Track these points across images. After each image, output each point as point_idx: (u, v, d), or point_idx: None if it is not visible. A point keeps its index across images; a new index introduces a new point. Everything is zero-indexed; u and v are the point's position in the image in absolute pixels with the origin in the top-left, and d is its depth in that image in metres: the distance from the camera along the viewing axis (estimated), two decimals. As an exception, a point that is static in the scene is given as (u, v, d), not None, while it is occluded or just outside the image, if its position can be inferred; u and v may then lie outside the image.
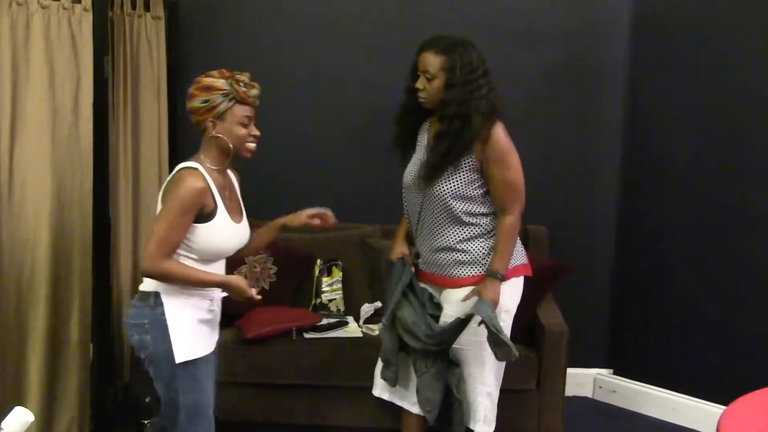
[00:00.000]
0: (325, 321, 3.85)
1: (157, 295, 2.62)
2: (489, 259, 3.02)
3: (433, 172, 2.95)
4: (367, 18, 4.28)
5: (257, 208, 4.23)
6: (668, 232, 4.12)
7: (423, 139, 3.11)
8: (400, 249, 3.20)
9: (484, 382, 3.10)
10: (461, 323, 2.98)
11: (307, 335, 3.74)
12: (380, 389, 3.28)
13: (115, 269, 3.94)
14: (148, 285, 2.65)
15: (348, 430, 3.72)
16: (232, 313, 3.82)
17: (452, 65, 2.88)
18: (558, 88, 4.28)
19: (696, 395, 4.04)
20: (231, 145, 2.63)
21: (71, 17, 3.34)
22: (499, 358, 2.93)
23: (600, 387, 4.43)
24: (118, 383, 3.98)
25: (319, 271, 4.04)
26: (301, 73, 4.32)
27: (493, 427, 3.15)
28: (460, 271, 3.04)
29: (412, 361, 3.14)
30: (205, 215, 2.59)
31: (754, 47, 3.77)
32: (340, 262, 4.07)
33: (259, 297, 2.69)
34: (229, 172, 2.82)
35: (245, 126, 2.64)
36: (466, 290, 3.03)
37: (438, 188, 2.96)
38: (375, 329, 3.75)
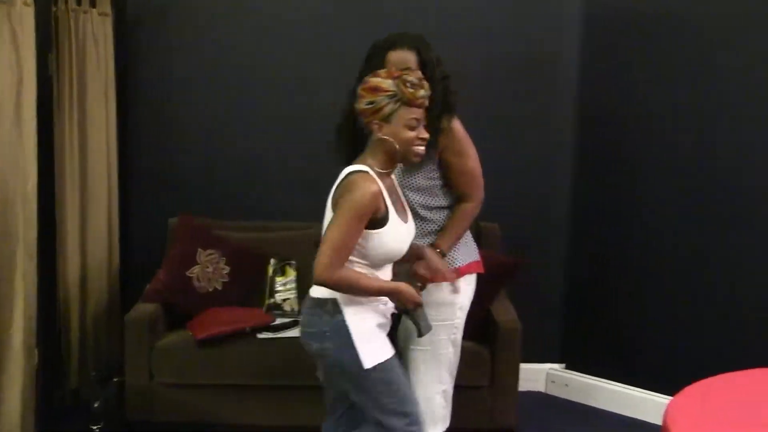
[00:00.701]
0: (279, 321, 3.83)
1: (335, 302, 2.56)
2: (449, 256, 3.02)
3: (411, 166, 2.92)
4: (319, 17, 4.26)
5: (207, 207, 4.27)
6: (620, 228, 4.17)
7: None
8: None
9: (441, 381, 3.10)
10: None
11: (260, 335, 3.71)
12: None
13: (62, 272, 3.87)
14: (321, 291, 2.59)
15: (303, 429, 3.70)
16: (183, 314, 3.80)
17: (426, 61, 2.89)
18: (510, 85, 4.29)
19: (645, 387, 4.10)
20: (398, 148, 2.54)
21: (11, 12, 3.24)
22: (420, 334, 2.85)
23: (552, 381, 4.47)
24: (66, 388, 3.91)
25: (273, 271, 4.01)
26: (253, 71, 4.29)
27: (447, 423, 3.15)
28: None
29: None
30: (378, 220, 2.52)
31: (705, 44, 3.83)
32: (294, 262, 4.05)
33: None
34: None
35: (413, 128, 2.54)
36: (433, 287, 2.98)
37: (398, 181, 2.93)
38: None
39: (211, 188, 4.34)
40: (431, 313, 2.93)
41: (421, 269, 2.85)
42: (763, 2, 3.64)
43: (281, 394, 3.67)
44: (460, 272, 3.04)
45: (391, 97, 2.50)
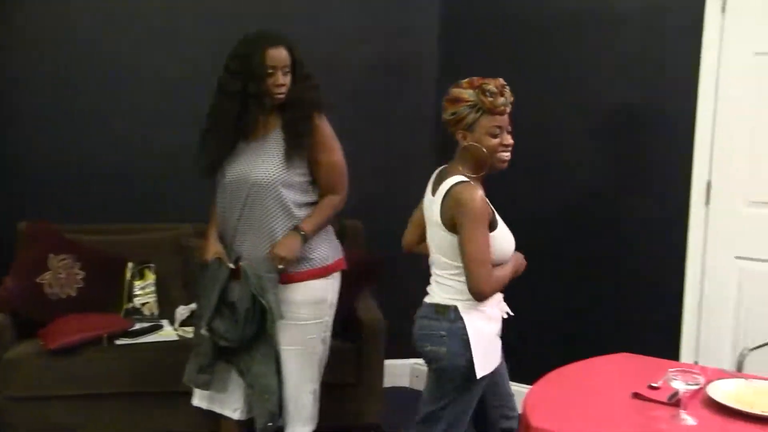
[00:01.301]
0: (138, 326, 3.71)
1: (455, 309, 2.57)
2: (319, 253, 3.04)
3: (289, 163, 2.95)
4: (172, 12, 4.16)
5: (59, 210, 4.09)
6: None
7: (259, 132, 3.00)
8: (213, 248, 3.06)
9: (313, 380, 3.11)
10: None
11: (118, 342, 3.59)
12: (199, 398, 3.17)
13: None
14: (441, 297, 2.64)
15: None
16: (35, 323, 3.62)
17: (297, 59, 2.93)
18: (370, 84, 4.33)
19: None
20: (485, 154, 2.55)
21: None
22: (275, 319, 2.92)
23: (417, 376, 4.53)
24: None
25: (131, 275, 3.89)
26: (104, 69, 4.13)
27: (316, 422, 3.16)
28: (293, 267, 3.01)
29: (234, 365, 3.08)
30: (489, 224, 2.56)
31: (555, 49, 3.98)
32: (152, 265, 3.93)
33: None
34: None
35: (495, 136, 2.54)
36: (303, 285, 3.02)
37: (270, 177, 2.93)
38: (191, 332, 3.65)
39: (62, 190, 4.14)
40: (302, 312, 2.94)
41: (279, 250, 2.91)
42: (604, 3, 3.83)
43: (140, 402, 3.56)
44: (329, 269, 3.08)
45: (472, 106, 2.52)
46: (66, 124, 4.13)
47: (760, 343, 3.06)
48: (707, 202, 3.63)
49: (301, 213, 3.00)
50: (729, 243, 3.61)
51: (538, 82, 4.03)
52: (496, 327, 2.68)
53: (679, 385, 2.16)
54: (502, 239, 2.62)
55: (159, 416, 3.57)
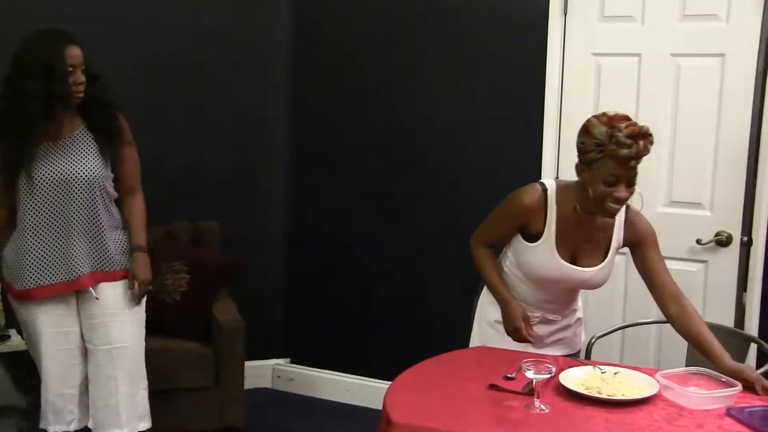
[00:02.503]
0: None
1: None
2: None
3: (105, 161, 2.98)
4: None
5: None
6: (335, 223, 4.30)
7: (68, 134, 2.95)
8: None
9: (145, 376, 3.13)
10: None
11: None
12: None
13: None
14: None
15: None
16: None
17: (87, 57, 2.89)
18: (221, 82, 4.26)
19: (367, 375, 4.28)
20: (591, 196, 2.49)
21: None
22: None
23: (279, 377, 4.52)
24: None
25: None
26: None
27: (150, 421, 3.17)
28: (116, 263, 3.03)
29: None
30: (532, 234, 2.65)
31: (404, 47, 4.05)
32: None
33: (531, 341, 2.70)
34: (624, 216, 2.67)
35: (610, 184, 2.43)
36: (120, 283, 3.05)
37: (96, 174, 2.94)
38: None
39: None
40: (136, 312, 3.04)
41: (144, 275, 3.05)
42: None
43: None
44: None
45: (597, 145, 2.42)
46: None
47: (605, 330, 3.22)
48: (555, 197, 3.78)
49: (114, 210, 3.05)
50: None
51: (392, 80, 4.08)
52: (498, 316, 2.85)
53: (533, 375, 2.24)
54: (534, 256, 2.68)
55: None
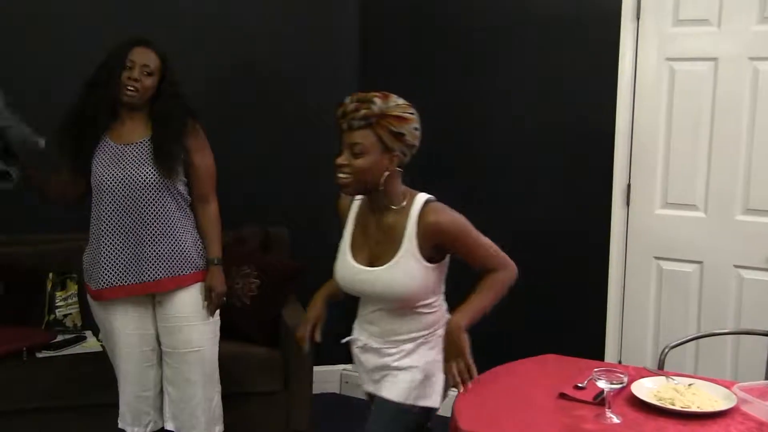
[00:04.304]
0: (60, 338, 3.62)
1: None
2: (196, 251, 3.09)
3: (173, 164, 2.99)
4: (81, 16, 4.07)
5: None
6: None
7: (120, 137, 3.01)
8: None
9: (218, 380, 3.18)
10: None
11: (39, 355, 3.49)
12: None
13: None
14: None
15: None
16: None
17: (168, 73, 2.99)
18: (294, 89, 4.31)
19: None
20: None
21: None
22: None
23: (346, 382, 4.53)
24: None
25: (52, 286, 3.78)
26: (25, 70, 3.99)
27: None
28: (191, 266, 3.05)
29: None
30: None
31: (475, 52, 4.03)
32: (75, 275, 3.83)
33: (304, 344, 2.64)
34: (416, 215, 2.40)
35: (339, 156, 2.37)
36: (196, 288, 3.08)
37: (159, 179, 2.97)
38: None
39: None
40: (203, 316, 3.04)
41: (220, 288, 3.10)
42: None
43: (62, 416, 3.46)
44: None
45: None
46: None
47: (679, 340, 3.14)
48: (627, 203, 3.73)
49: (191, 213, 3.11)
50: (647, 243, 3.71)
51: (459, 90, 4.07)
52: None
53: (604, 385, 2.20)
54: (336, 259, 2.60)
55: (81, 429, 3.48)
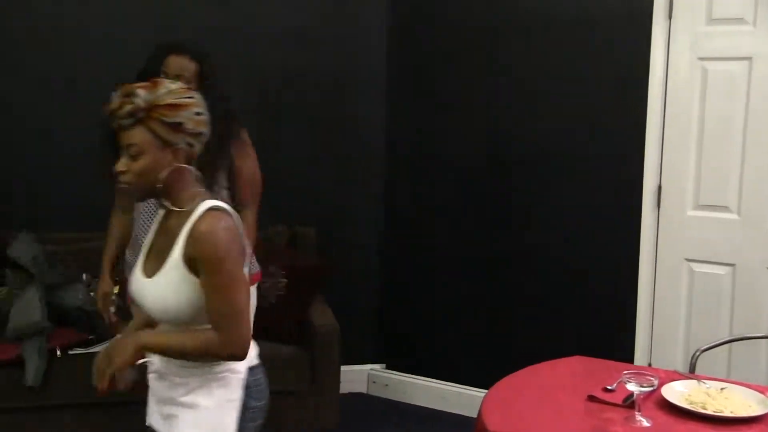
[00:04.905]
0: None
1: None
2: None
3: (215, 172, 2.91)
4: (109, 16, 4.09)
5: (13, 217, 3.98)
6: (431, 229, 4.29)
7: None
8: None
9: None
10: None
11: (72, 352, 3.52)
12: None
13: None
14: None
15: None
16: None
17: (207, 73, 2.88)
18: (321, 89, 4.31)
19: (461, 383, 4.24)
20: None
21: None
22: None
23: (374, 382, 4.53)
24: None
25: (88, 287, 3.77)
26: (42, 71, 4.03)
27: None
28: None
29: None
30: None
31: (506, 52, 4.01)
32: (117, 278, 3.82)
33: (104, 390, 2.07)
34: (194, 216, 1.99)
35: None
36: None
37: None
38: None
39: (16, 198, 4.02)
40: None
41: None
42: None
43: (95, 413, 3.49)
44: (252, 280, 3.09)
45: None
46: (15, 130, 4.05)
47: (711, 343, 3.10)
48: (658, 205, 3.69)
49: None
50: (678, 245, 3.67)
51: (488, 88, 4.05)
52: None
53: (634, 387, 2.18)
54: None
55: (115, 427, 3.51)
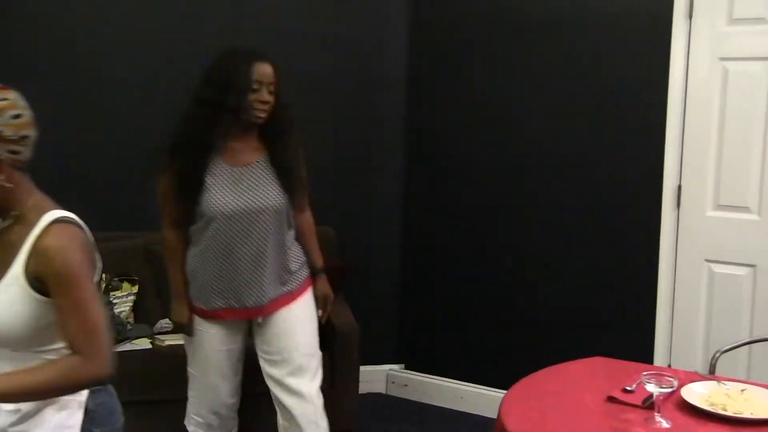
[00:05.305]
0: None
1: None
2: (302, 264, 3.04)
3: (297, 182, 2.89)
4: (151, 20, 4.12)
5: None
6: (450, 229, 4.29)
7: (237, 158, 2.84)
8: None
9: None
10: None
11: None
12: None
13: None
14: None
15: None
16: None
17: (280, 81, 2.82)
18: (341, 90, 4.33)
19: (481, 383, 4.25)
20: None
21: None
22: None
23: (393, 382, 4.54)
24: None
25: (106, 287, 3.81)
26: (74, 76, 4.07)
27: None
28: (300, 278, 3.02)
29: None
30: None
31: (526, 51, 4.01)
32: (136, 278, 3.88)
33: None
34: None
35: None
36: (308, 295, 3.05)
37: (282, 203, 2.87)
38: (165, 340, 3.63)
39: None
40: (312, 321, 3.06)
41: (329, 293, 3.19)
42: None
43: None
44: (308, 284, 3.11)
45: None
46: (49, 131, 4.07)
47: (731, 344, 3.09)
48: (678, 205, 3.68)
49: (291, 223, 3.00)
50: (698, 246, 3.65)
51: (507, 88, 4.06)
52: None
53: (654, 388, 2.18)
54: None
55: (133, 426, 3.53)
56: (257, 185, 2.83)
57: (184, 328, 2.96)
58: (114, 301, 3.82)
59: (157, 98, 4.03)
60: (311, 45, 4.24)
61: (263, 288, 2.88)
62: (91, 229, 3.85)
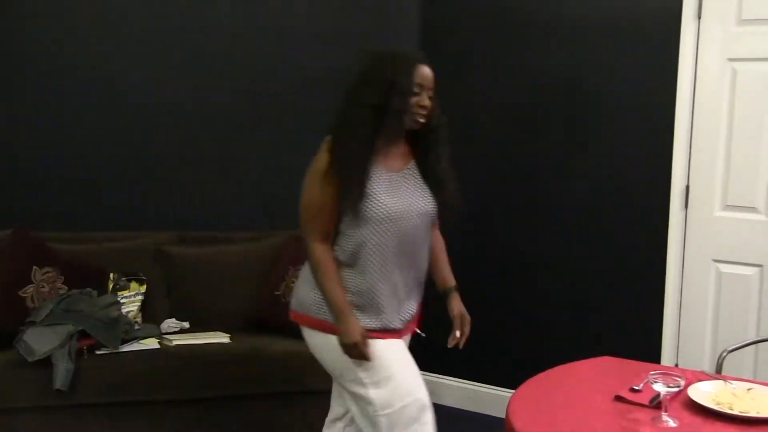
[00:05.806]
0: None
1: None
2: None
3: (449, 187, 2.73)
4: (148, 23, 4.14)
5: (47, 216, 4.05)
6: (458, 228, 4.29)
7: (395, 162, 2.67)
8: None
9: None
10: None
11: (99, 352, 3.57)
12: None
13: None
14: None
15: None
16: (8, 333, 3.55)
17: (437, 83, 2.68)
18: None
19: (489, 383, 4.26)
20: None
21: None
22: None
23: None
24: None
25: (113, 287, 3.84)
26: (90, 76, 4.09)
27: None
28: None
29: None
30: None
31: (534, 49, 4.02)
32: (144, 277, 3.88)
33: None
34: None
35: None
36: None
37: (433, 207, 2.72)
38: (173, 339, 3.65)
39: (41, 197, 4.08)
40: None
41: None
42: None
43: (121, 412, 3.51)
44: None
45: None
46: (46, 130, 4.11)
47: (738, 344, 3.09)
48: (686, 205, 3.68)
49: None
50: (706, 246, 3.65)
51: (516, 90, 4.06)
52: None
53: (661, 388, 2.18)
54: None
55: (141, 426, 3.55)
56: (414, 191, 2.67)
57: (358, 347, 2.62)
58: (122, 301, 3.84)
59: (162, 98, 4.06)
60: (317, 45, 4.26)
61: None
62: (98, 228, 3.89)
